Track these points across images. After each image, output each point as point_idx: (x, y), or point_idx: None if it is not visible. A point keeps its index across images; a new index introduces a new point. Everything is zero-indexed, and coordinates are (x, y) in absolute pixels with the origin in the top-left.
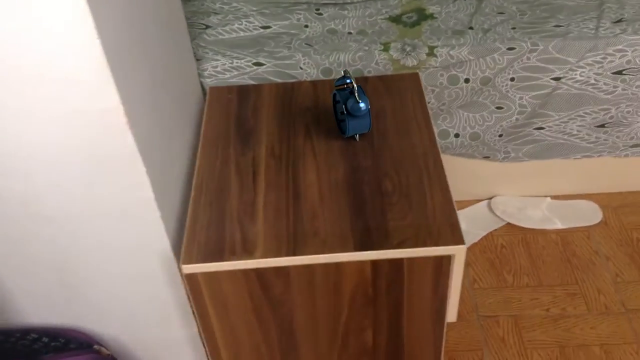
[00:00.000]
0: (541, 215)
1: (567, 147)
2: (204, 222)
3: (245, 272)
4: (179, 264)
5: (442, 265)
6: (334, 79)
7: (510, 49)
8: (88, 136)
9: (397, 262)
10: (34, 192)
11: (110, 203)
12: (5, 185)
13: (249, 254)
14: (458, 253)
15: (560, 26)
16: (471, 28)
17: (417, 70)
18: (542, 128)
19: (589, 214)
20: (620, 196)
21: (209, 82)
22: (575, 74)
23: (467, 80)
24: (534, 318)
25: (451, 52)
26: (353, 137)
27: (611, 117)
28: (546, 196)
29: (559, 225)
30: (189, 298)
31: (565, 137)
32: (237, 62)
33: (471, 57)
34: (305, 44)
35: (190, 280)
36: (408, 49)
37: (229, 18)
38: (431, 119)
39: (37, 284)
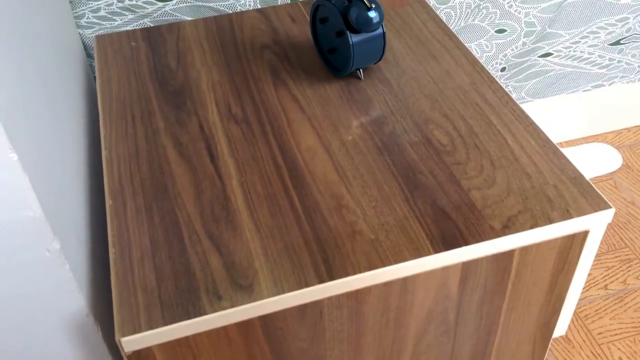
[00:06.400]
0: None
1: (576, 77)
2: (143, 250)
3: (243, 326)
4: (106, 336)
5: (571, 248)
6: (293, 1)
7: None
8: None
9: (503, 258)
10: None
11: None
12: None
13: (246, 291)
14: (598, 225)
15: None
16: None
17: None
18: (549, 54)
19: (607, 158)
20: (630, 133)
21: (88, 33)
22: None
23: None
24: (594, 301)
25: None
26: (355, 75)
27: (628, 30)
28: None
29: None
30: None
31: (575, 63)
32: (129, 0)
33: None
34: None
35: None
36: None
37: None
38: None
39: None
